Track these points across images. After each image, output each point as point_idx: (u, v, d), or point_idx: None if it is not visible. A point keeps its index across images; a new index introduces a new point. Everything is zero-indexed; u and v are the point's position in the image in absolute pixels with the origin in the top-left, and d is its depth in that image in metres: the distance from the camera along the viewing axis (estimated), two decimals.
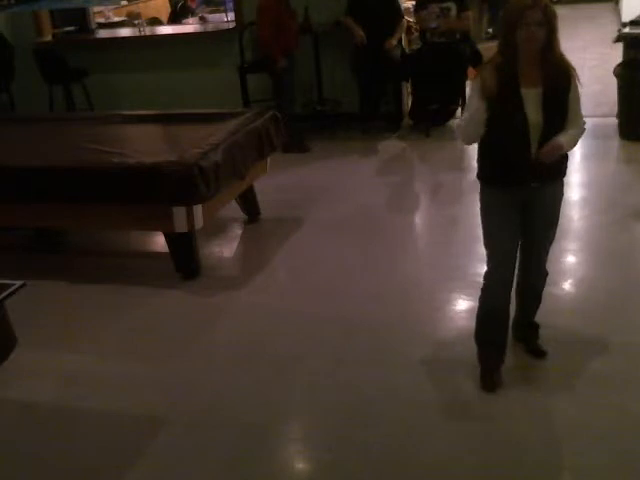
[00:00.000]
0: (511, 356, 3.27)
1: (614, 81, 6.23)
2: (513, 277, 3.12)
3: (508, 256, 3.07)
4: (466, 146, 3.89)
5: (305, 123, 6.93)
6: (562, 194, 3.10)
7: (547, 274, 3.24)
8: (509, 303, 3.15)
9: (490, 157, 3.02)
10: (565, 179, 3.09)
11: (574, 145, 3.01)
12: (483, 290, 3.13)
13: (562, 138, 2.88)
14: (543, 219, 3.08)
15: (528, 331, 3.38)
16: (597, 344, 3.40)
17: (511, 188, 2.99)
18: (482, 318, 3.18)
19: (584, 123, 3.01)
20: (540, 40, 2.80)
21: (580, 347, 3.40)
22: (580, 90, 2.95)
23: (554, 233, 3.14)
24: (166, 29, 8.75)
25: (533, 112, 2.87)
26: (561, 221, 3.15)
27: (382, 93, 7.00)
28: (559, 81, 2.88)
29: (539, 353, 3.33)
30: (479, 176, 3.09)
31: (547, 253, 3.19)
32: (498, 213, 3.05)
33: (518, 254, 3.12)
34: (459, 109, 6.81)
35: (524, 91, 2.86)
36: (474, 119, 2.89)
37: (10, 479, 2.86)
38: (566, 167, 3.05)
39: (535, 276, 3.23)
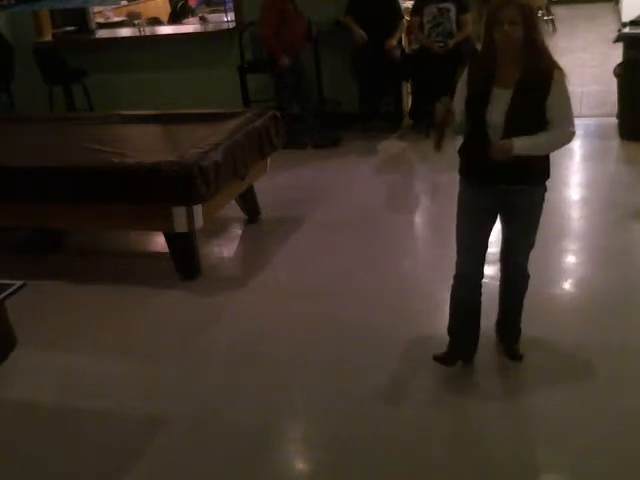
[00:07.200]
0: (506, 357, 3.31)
1: (614, 81, 6.22)
2: (478, 272, 3.11)
3: (471, 253, 3.08)
4: None
5: (305, 123, 6.92)
6: (539, 202, 2.98)
7: (528, 277, 3.19)
8: (476, 297, 3.15)
9: (460, 152, 3.03)
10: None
11: (543, 150, 2.88)
12: (452, 283, 3.16)
13: (517, 140, 2.76)
14: (516, 225, 3.04)
15: (506, 333, 3.33)
16: (597, 344, 3.40)
17: (478, 187, 2.97)
18: (451, 310, 3.21)
19: (572, 131, 2.87)
20: (515, 39, 2.74)
21: (579, 347, 3.40)
22: (572, 90, 2.86)
23: (531, 240, 3.08)
24: (166, 29, 8.74)
25: (497, 113, 2.81)
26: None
27: (382, 93, 7.00)
28: (534, 85, 2.79)
29: (514, 356, 3.28)
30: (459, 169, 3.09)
31: (525, 256, 3.12)
32: (466, 209, 3.05)
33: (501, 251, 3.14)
34: None
35: (496, 91, 2.81)
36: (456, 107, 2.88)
37: (10, 479, 2.86)
38: (542, 174, 2.94)
39: (512, 276, 3.20)
